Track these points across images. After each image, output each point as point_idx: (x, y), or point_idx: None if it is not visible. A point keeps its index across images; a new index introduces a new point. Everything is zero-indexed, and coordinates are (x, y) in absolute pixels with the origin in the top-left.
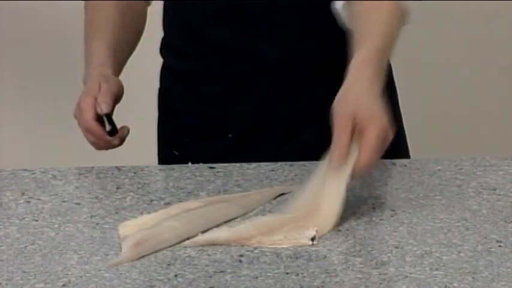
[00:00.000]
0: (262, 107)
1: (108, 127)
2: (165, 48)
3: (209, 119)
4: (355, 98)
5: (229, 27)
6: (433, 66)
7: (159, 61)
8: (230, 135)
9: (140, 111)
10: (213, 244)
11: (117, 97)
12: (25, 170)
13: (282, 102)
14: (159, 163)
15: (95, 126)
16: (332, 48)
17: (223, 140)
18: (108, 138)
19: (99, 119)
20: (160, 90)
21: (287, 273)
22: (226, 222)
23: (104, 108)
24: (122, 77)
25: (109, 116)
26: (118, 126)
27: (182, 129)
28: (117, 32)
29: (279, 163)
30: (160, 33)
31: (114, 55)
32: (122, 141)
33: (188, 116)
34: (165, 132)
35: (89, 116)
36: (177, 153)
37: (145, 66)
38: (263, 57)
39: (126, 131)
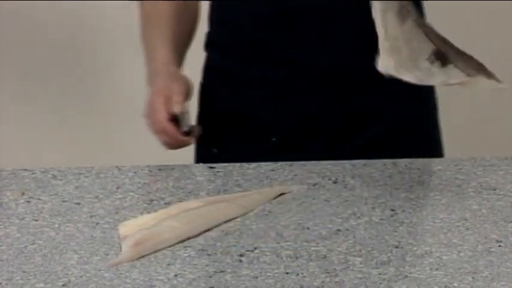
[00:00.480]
0: (309, 113)
1: (185, 127)
2: (211, 45)
3: (254, 121)
4: None
5: (278, 32)
6: None
7: None
8: (274, 139)
9: (138, 112)
10: None
11: (188, 95)
12: (25, 169)
13: (329, 110)
14: (196, 159)
15: (169, 126)
16: None
17: (266, 143)
18: (183, 138)
19: (171, 118)
20: (202, 85)
21: (287, 273)
22: (226, 222)
23: (178, 108)
24: (119, 75)
25: (186, 115)
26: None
27: (224, 127)
28: (175, 27)
29: (279, 163)
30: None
31: (176, 51)
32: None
33: (231, 116)
34: (205, 128)
35: (162, 117)
36: (216, 150)
37: (143, 65)
38: (311, 64)
39: (198, 129)
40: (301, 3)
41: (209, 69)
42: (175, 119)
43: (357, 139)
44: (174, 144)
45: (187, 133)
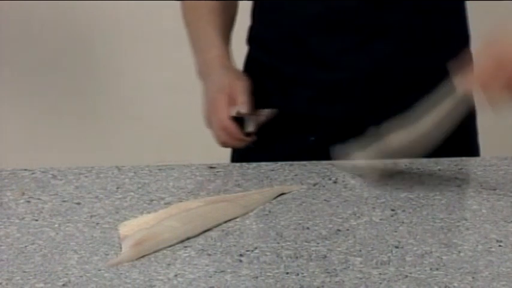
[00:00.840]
0: (351, 115)
1: (251, 127)
2: (254, 40)
3: (294, 118)
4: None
5: (324, 34)
6: None
7: (157, 58)
8: (312, 138)
9: (137, 112)
10: None
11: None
12: (25, 169)
13: (373, 112)
14: (232, 154)
15: (231, 125)
16: (432, 63)
17: (304, 141)
18: (245, 138)
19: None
20: None
21: (287, 273)
22: (226, 222)
23: (245, 109)
24: (119, 75)
25: (251, 116)
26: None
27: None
28: (222, 19)
29: (279, 163)
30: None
31: (227, 42)
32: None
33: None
34: None
35: (224, 115)
36: (252, 145)
37: (143, 65)
38: (359, 68)
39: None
40: (347, 5)
41: (251, 64)
42: (237, 118)
43: None
44: (232, 144)
45: (250, 134)
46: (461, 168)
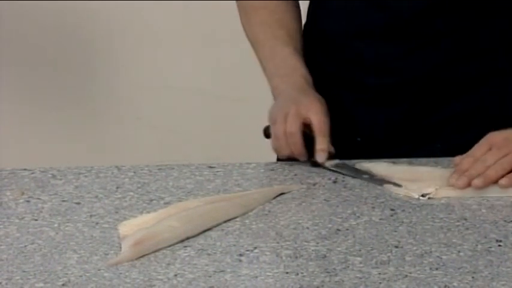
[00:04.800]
0: (398, 118)
1: (321, 158)
2: (308, 39)
3: (341, 118)
4: None
5: (378, 41)
6: None
7: (157, 59)
8: (359, 138)
9: (137, 112)
10: None
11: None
12: (25, 169)
13: (418, 117)
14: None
15: (298, 135)
16: (481, 70)
17: (350, 142)
18: (304, 152)
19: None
20: None
21: (287, 273)
22: (226, 221)
23: (323, 158)
24: (119, 75)
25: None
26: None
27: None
28: (297, 34)
29: (279, 162)
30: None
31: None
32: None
33: None
34: None
35: (294, 124)
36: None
37: (143, 65)
38: (408, 74)
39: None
40: (400, 13)
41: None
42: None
43: (443, 145)
44: (289, 154)
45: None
46: None
